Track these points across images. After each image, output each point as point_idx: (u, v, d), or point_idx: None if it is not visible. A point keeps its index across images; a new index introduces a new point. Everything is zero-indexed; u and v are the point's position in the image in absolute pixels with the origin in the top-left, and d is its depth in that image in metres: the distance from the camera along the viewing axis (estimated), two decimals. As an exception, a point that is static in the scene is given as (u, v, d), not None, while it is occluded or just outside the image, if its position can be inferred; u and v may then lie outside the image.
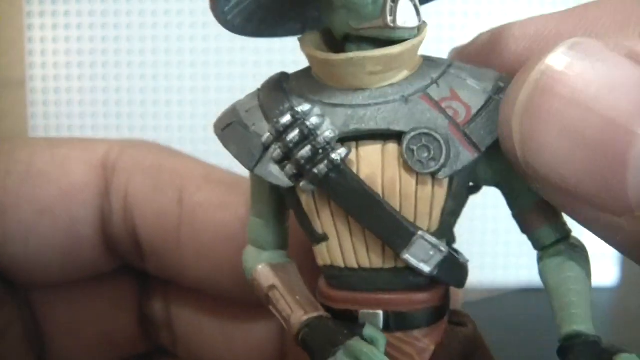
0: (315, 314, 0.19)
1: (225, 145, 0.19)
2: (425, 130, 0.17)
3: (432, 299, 0.19)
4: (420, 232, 0.18)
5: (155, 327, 0.29)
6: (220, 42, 0.63)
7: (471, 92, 0.18)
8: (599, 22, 0.18)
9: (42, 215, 0.24)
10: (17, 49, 0.65)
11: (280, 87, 0.19)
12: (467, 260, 0.20)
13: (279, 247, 0.21)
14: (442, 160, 0.17)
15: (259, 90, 0.20)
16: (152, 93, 0.64)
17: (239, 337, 0.28)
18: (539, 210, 0.19)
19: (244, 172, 0.20)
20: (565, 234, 0.19)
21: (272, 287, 0.20)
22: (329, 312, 0.20)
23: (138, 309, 0.29)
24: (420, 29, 0.18)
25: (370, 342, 0.18)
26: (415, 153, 0.17)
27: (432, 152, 0.17)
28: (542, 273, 0.19)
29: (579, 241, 0.19)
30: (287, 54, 0.62)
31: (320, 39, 0.20)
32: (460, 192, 0.19)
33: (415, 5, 0.17)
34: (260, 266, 0.20)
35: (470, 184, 0.20)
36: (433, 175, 0.18)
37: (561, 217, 0.19)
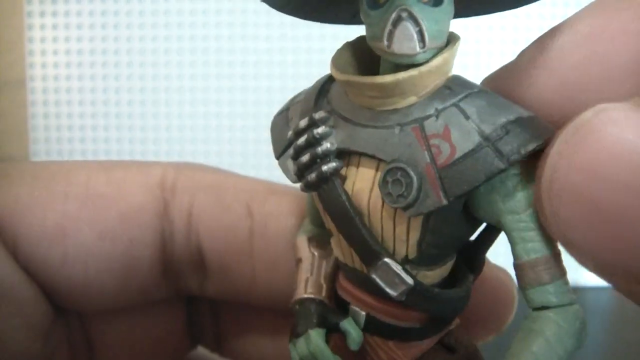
0: (309, 296, 0.20)
1: (271, 130, 0.21)
2: (402, 165, 0.17)
3: (410, 319, 0.19)
4: (386, 259, 0.18)
5: (201, 330, 0.29)
6: (221, 43, 0.63)
7: (465, 133, 0.17)
8: None
9: (103, 238, 0.24)
10: (17, 49, 0.65)
11: (321, 87, 0.20)
12: (463, 295, 0.19)
13: (325, 225, 0.21)
14: (409, 199, 0.17)
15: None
16: (152, 93, 0.64)
17: (284, 343, 0.28)
18: (531, 270, 0.17)
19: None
20: (558, 303, 0.17)
21: (299, 259, 0.22)
22: (336, 296, 0.20)
23: (186, 314, 0.29)
24: (446, 48, 0.17)
25: (344, 334, 0.19)
26: (389, 185, 0.17)
27: (404, 189, 0.17)
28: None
29: (574, 314, 0.17)
30: (287, 54, 0.62)
31: (360, 47, 0.19)
32: (441, 228, 0.18)
33: (420, 32, 0.16)
34: (301, 236, 0.22)
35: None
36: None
37: (560, 284, 0.17)
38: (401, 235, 0.18)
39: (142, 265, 0.25)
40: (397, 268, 0.18)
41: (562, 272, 0.17)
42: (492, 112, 0.17)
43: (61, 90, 0.65)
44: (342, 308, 0.20)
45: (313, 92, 0.20)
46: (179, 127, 0.64)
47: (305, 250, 0.22)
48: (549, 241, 0.17)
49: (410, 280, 0.18)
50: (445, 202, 0.17)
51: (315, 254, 0.21)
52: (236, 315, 0.29)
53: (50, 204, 0.24)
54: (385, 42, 0.17)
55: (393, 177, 0.17)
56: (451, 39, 0.18)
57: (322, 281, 0.21)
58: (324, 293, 0.20)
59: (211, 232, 0.25)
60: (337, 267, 0.21)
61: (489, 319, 0.24)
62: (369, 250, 0.18)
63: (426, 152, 0.17)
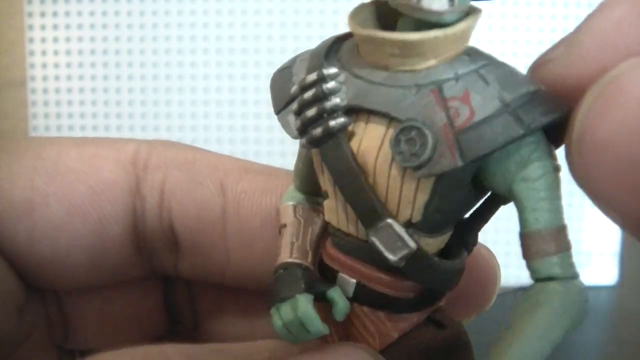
0: (295, 260, 0.19)
1: (270, 86, 0.20)
2: (418, 124, 0.16)
3: (403, 289, 0.19)
4: (389, 220, 0.17)
5: (178, 310, 0.29)
6: (221, 43, 0.63)
7: (485, 98, 0.16)
8: None
9: (72, 214, 0.24)
10: (17, 49, 0.65)
11: (330, 46, 0.19)
12: (459, 269, 0.19)
13: (312, 192, 0.21)
14: (422, 159, 0.16)
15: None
16: (153, 93, 0.64)
17: (261, 322, 0.27)
18: (540, 240, 0.17)
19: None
20: (563, 275, 0.17)
21: (284, 225, 0.21)
22: (321, 264, 0.20)
23: (163, 293, 0.29)
24: (470, 15, 0.17)
25: (330, 303, 0.19)
26: (402, 144, 0.17)
27: (417, 147, 0.16)
28: (518, 302, 0.18)
29: (579, 288, 0.17)
30: (288, 54, 0.62)
31: (376, 8, 0.19)
32: (449, 193, 0.18)
33: None
34: (286, 203, 0.21)
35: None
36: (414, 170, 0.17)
37: (565, 256, 0.17)
38: (408, 196, 0.17)
39: (113, 243, 0.25)
40: (400, 230, 0.17)
41: (568, 245, 0.17)
42: (512, 81, 0.17)
43: (62, 90, 0.65)
44: (328, 277, 0.20)
45: (321, 50, 0.19)
46: (180, 128, 0.64)
47: (291, 216, 0.21)
48: (558, 212, 0.17)
49: (413, 244, 0.17)
50: (460, 163, 0.16)
51: (302, 220, 0.21)
52: (212, 296, 0.28)
53: (18, 178, 0.23)
54: None
55: (407, 136, 0.17)
56: (472, 10, 0.17)
57: (308, 248, 0.20)
58: (309, 259, 0.20)
59: (183, 210, 0.25)
60: (323, 236, 0.20)
61: (473, 297, 0.23)
62: (372, 210, 0.17)
63: (444, 113, 0.16)
